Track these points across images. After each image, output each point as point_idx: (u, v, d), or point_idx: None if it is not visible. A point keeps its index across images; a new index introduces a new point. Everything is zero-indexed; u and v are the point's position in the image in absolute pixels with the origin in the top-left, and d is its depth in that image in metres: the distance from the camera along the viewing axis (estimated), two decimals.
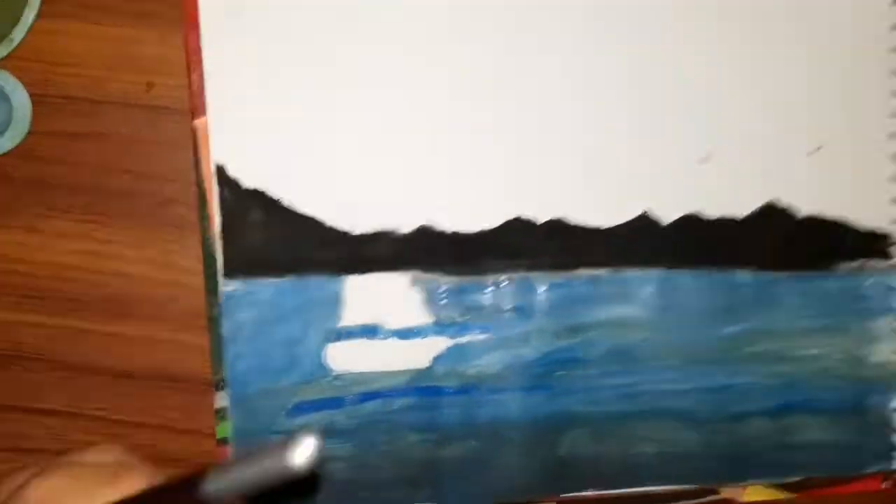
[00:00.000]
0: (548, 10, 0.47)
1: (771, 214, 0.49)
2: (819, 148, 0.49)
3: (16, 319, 0.47)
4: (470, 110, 0.47)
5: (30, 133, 0.45)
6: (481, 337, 0.48)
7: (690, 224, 0.49)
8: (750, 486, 0.51)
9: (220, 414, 0.47)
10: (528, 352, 0.48)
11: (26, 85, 0.45)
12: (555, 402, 0.49)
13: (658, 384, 0.49)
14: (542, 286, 0.48)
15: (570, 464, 0.49)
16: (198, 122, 0.46)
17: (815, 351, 0.50)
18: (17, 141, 0.44)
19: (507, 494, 0.49)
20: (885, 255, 0.50)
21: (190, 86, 0.45)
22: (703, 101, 0.48)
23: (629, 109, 0.48)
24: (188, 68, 0.45)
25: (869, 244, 0.50)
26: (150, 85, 0.46)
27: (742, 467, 0.51)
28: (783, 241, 0.49)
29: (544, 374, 0.49)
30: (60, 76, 0.45)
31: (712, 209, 0.49)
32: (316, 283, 0.47)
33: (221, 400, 0.47)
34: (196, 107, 0.46)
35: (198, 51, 0.45)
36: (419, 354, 0.48)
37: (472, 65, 0.47)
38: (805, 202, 0.49)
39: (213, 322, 0.47)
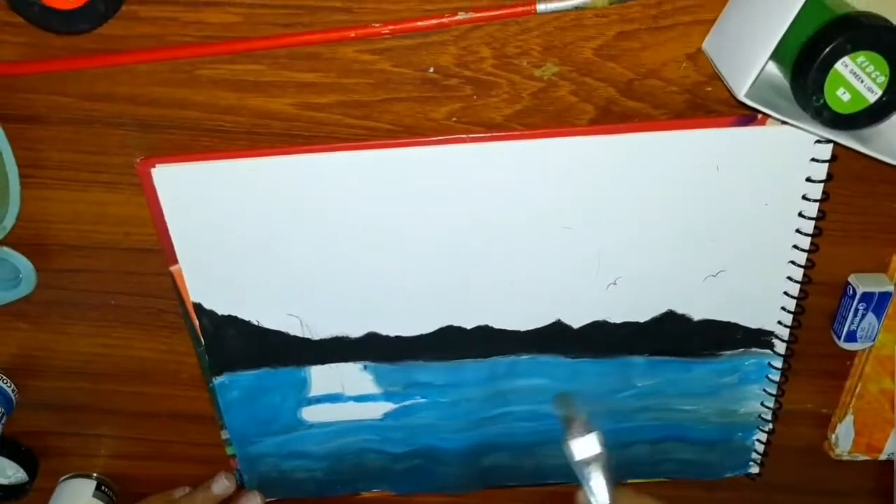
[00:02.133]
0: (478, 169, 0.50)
1: (669, 319, 0.57)
2: (720, 272, 0.55)
3: (68, 385, 0.61)
4: (405, 240, 0.53)
5: (39, 273, 0.54)
6: (421, 401, 0.61)
7: (597, 328, 0.57)
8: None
9: (227, 441, 0.64)
10: (459, 411, 0.61)
11: (26, 240, 0.53)
12: (480, 434, 0.63)
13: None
14: (470, 369, 0.59)
15: (491, 471, 0.66)
16: (174, 269, 0.54)
17: (692, 407, 0.62)
18: (32, 285, 0.54)
19: (442, 488, 0.67)
20: (769, 346, 0.58)
21: (160, 240, 0.53)
22: (619, 235, 0.53)
23: (550, 243, 0.54)
24: (155, 226, 0.52)
25: (755, 337, 0.58)
26: (127, 234, 0.53)
27: (624, 473, 0.66)
28: (679, 337, 0.58)
29: (472, 421, 0.62)
30: (53, 231, 0.53)
31: (617, 317, 0.57)
32: (287, 372, 0.59)
33: (226, 434, 0.63)
34: (169, 256, 0.53)
35: (160, 212, 0.52)
36: (373, 412, 0.62)
37: (406, 202, 0.52)
38: (700, 311, 0.57)
39: (211, 392, 0.60)
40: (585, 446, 0.55)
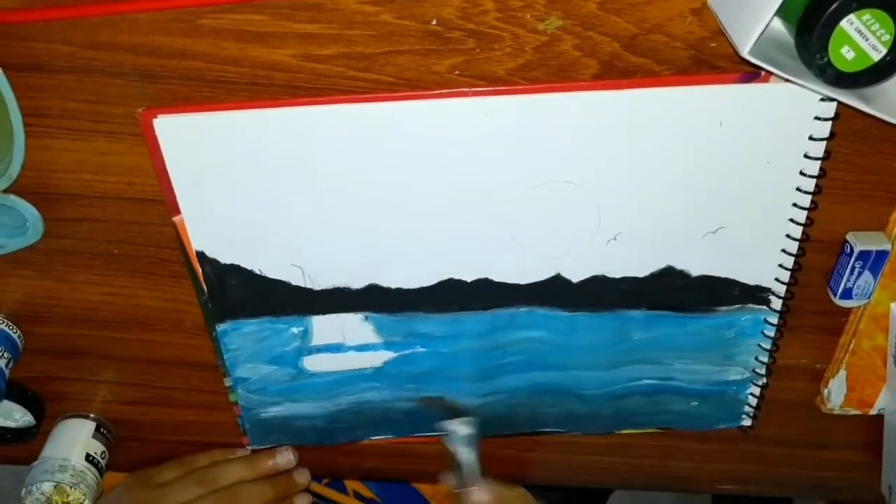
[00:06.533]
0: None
1: (668, 274, 0.57)
2: (719, 228, 0.55)
3: (73, 332, 0.62)
4: (407, 193, 0.54)
5: (46, 221, 0.55)
6: (421, 350, 0.62)
7: (596, 282, 0.58)
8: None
9: (230, 388, 0.65)
10: (458, 361, 0.62)
11: (30, 189, 0.53)
12: (477, 384, 0.64)
13: (560, 379, 0.64)
14: (469, 321, 0.60)
15: (487, 420, 0.67)
16: (176, 219, 0.54)
17: (687, 360, 0.63)
18: (39, 233, 0.55)
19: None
20: (765, 302, 0.59)
21: (162, 190, 0.53)
22: (620, 191, 0.53)
23: (551, 195, 0.54)
24: (157, 176, 0.52)
25: (752, 294, 0.59)
26: (130, 184, 0.53)
27: (618, 423, 0.68)
28: (676, 292, 0.58)
29: (470, 372, 0.63)
30: (57, 180, 0.53)
31: (616, 271, 0.57)
32: (289, 321, 0.60)
33: (228, 381, 0.64)
34: (171, 206, 0.54)
35: (162, 163, 0.52)
36: (374, 360, 0.63)
37: (408, 155, 0.52)
38: (699, 267, 0.57)
39: (214, 340, 0.61)
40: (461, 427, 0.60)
